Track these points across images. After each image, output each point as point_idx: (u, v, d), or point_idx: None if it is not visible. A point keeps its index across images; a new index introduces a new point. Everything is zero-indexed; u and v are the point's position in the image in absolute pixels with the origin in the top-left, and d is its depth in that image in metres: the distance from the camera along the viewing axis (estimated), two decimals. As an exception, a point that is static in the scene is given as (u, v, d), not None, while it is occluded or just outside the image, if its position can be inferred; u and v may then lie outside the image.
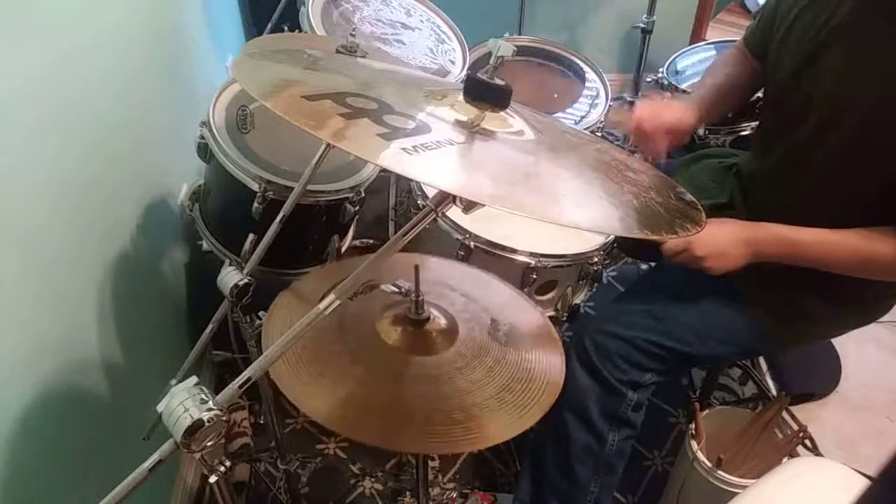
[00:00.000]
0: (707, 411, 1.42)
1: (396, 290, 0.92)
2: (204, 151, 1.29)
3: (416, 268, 0.92)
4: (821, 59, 1.08)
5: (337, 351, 0.91)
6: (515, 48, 0.78)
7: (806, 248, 1.08)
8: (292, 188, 1.01)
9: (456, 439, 0.83)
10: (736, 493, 1.06)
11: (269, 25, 2.08)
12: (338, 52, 1.05)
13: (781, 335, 1.25)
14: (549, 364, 0.94)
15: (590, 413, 1.23)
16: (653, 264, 1.59)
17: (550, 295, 1.33)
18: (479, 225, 1.23)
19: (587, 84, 1.91)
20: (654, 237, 0.66)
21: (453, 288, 1.08)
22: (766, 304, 1.21)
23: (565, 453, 1.26)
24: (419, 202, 1.35)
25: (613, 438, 1.25)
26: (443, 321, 0.98)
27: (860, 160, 1.05)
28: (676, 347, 1.22)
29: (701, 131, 1.95)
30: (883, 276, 1.08)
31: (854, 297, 1.17)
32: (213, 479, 0.68)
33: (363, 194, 1.32)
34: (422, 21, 1.82)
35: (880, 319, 1.24)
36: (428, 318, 0.96)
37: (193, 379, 0.65)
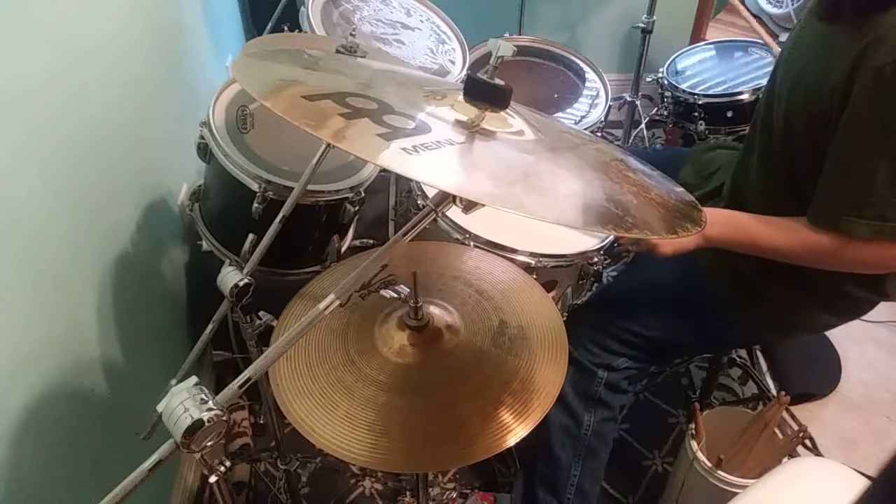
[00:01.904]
0: (707, 411, 1.42)
1: (395, 295, 0.92)
2: (204, 151, 1.29)
3: (415, 275, 0.91)
4: (783, 57, 1.13)
5: (340, 366, 0.91)
6: (515, 48, 0.78)
7: (751, 228, 1.08)
8: (292, 188, 1.01)
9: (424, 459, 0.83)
10: (736, 493, 1.06)
11: (269, 25, 2.08)
12: (338, 52, 1.05)
13: (749, 325, 1.26)
14: (547, 378, 0.92)
15: (564, 393, 1.25)
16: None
17: (550, 295, 1.33)
18: (479, 225, 1.23)
19: (587, 84, 1.91)
20: (654, 237, 0.66)
21: (469, 283, 1.07)
22: (731, 290, 1.22)
23: (546, 437, 1.28)
24: (419, 202, 1.35)
25: (589, 419, 1.28)
26: (443, 325, 0.97)
27: (791, 153, 1.07)
28: (644, 332, 1.26)
29: (702, 128, 1.96)
30: (821, 264, 1.07)
31: (822, 289, 1.16)
32: (213, 479, 0.68)
33: (363, 194, 1.32)
34: (422, 21, 1.82)
35: (880, 319, 1.24)
36: (427, 324, 0.95)
37: (193, 379, 0.65)
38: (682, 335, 1.28)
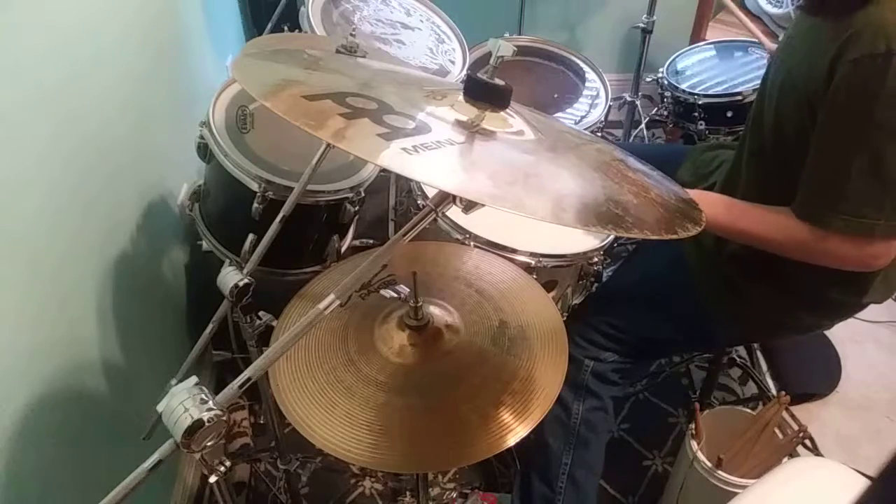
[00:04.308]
0: (707, 411, 1.42)
1: (395, 295, 0.92)
2: (204, 151, 1.29)
3: (415, 274, 0.91)
4: (776, 54, 1.14)
5: (340, 366, 0.91)
6: (515, 48, 0.78)
7: (743, 213, 1.08)
8: (292, 188, 1.01)
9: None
10: (736, 493, 1.06)
11: (269, 25, 2.08)
12: (338, 52, 1.05)
13: (734, 325, 1.26)
14: (547, 378, 0.92)
15: None
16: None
17: (550, 295, 1.33)
18: (479, 225, 1.23)
19: (587, 84, 1.90)
20: (654, 237, 0.66)
21: (469, 283, 1.07)
22: (716, 291, 1.22)
23: (539, 428, 1.28)
24: (419, 202, 1.35)
25: (578, 408, 1.29)
26: (443, 324, 0.97)
27: (781, 150, 1.07)
28: (630, 329, 1.28)
29: (702, 128, 1.96)
30: (804, 257, 1.06)
31: (805, 292, 1.16)
32: (213, 479, 0.68)
33: (363, 194, 1.32)
34: (422, 21, 1.82)
35: (880, 319, 1.24)
36: (427, 324, 0.95)
37: (193, 379, 0.65)
38: (668, 333, 1.30)
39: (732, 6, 2.01)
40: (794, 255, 1.06)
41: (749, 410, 1.45)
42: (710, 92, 1.97)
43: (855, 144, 0.94)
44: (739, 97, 1.89)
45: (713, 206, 1.09)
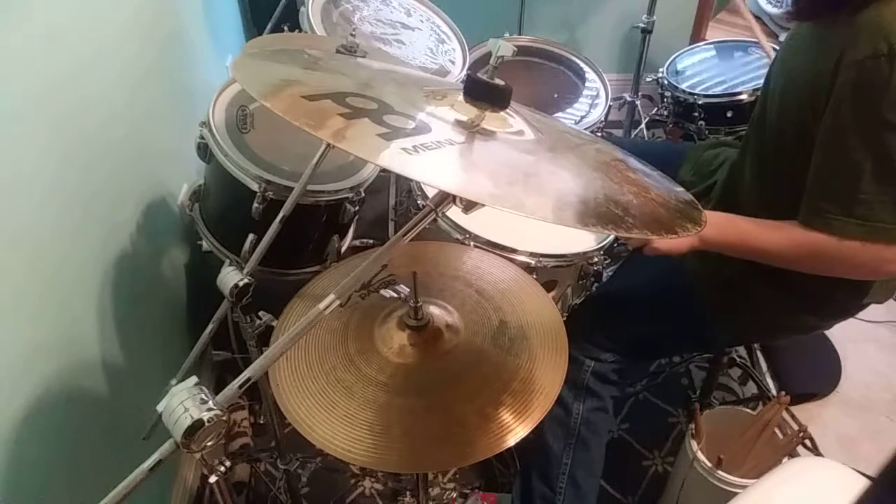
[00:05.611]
0: (707, 411, 1.42)
1: (395, 295, 0.92)
2: (204, 151, 1.29)
3: (415, 275, 0.91)
4: (778, 57, 1.13)
5: (340, 366, 0.91)
6: (515, 48, 0.78)
7: (746, 229, 1.06)
8: (292, 188, 1.01)
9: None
10: (736, 493, 1.06)
11: (269, 25, 2.08)
12: (338, 52, 1.05)
13: (735, 326, 1.27)
14: (547, 378, 0.92)
15: None
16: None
17: (550, 295, 1.33)
18: (479, 225, 1.23)
19: (587, 84, 1.90)
20: (654, 237, 0.66)
21: (469, 283, 1.07)
22: (717, 292, 1.22)
23: (539, 428, 1.29)
24: (419, 202, 1.35)
25: (579, 408, 1.30)
26: (443, 324, 0.97)
27: (784, 152, 1.06)
28: (630, 329, 1.28)
29: (702, 126, 1.96)
30: (815, 268, 1.04)
31: (807, 293, 1.15)
32: (213, 479, 0.68)
33: (363, 194, 1.32)
34: (422, 21, 1.82)
35: (880, 319, 1.24)
36: (427, 324, 0.95)
37: (193, 379, 0.65)
38: (668, 333, 1.30)
39: (741, 7, 2.01)
40: (806, 267, 1.03)
41: (749, 410, 1.45)
42: (710, 92, 1.96)
43: (863, 146, 0.92)
44: (739, 97, 1.89)
45: (718, 224, 1.07)
